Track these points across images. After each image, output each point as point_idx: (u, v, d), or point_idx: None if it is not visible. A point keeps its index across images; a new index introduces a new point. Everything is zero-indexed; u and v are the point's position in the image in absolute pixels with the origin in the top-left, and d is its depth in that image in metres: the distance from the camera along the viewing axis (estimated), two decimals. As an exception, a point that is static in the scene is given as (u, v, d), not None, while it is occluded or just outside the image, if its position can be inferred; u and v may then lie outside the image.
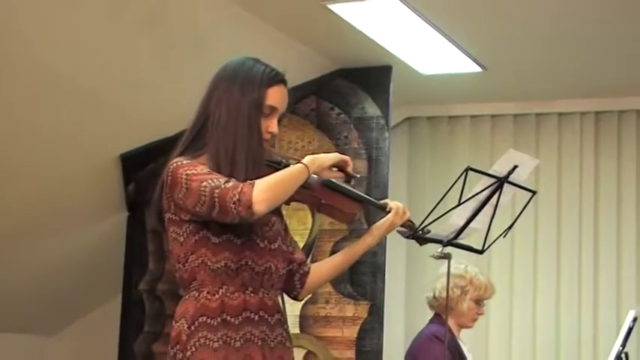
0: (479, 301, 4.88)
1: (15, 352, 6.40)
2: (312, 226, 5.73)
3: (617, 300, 6.16)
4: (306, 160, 2.97)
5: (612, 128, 6.36)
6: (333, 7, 4.95)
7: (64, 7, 4.42)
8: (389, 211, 3.22)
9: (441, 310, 4.87)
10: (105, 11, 4.55)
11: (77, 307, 6.63)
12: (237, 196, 2.78)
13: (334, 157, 3.09)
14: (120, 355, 5.96)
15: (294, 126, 5.86)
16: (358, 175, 3.22)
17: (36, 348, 6.54)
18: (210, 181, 2.83)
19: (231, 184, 2.81)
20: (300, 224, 5.71)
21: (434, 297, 4.96)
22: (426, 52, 5.61)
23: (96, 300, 6.61)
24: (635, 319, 4.87)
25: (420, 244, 3.47)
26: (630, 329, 4.81)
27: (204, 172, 2.87)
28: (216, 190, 2.81)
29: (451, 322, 4.81)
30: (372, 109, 5.80)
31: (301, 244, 5.65)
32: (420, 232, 3.37)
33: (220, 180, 2.83)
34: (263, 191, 2.80)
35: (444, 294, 4.85)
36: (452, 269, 4.81)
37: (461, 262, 4.88)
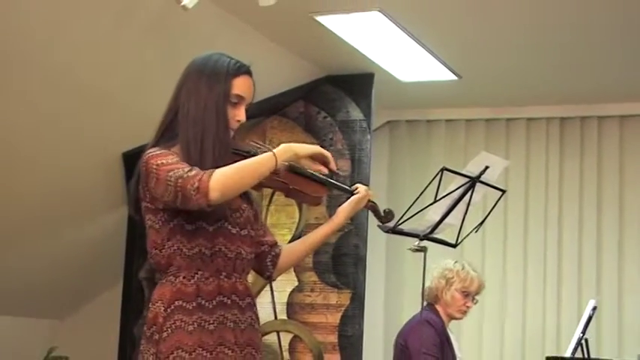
0: (466, 293, 4.85)
1: (26, 335, 6.39)
2: (299, 220, 5.74)
3: (578, 290, 6.18)
4: (280, 147, 2.91)
5: (575, 133, 6.37)
6: (320, 19, 4.96)
7: (75, 14, 4.42)
8: (352, 193, 3.17)
9: (431, 298, 4.89)
10: (112, 20, 4.55)
11: (83, 293, 6.62)
12: (196, 184, 2.71)
13: (313, 148, 3.03)
14: (121, 337, 5.96)
15: (283, 128, 5.87)
16: (340, 173, 3.18)
17: (46, 330, 6.53)
18: (175, 171, 2.76)
19: (193, 172, 2.74)
20: (289, 218, 5.72)
21: (427, 287, 4.95)
22: (405, 61, 5.62)
23: (100, 287, 6.60)
24: (594, 308, 4.90)
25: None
26: (590, 317, 4.84)
27: (172, 161, 2.81)
28: (180, 180, 2.74)
29: (441, 311, 4.83)
30: (355, 113, 5.81)
31: (289, 237, 5.66)
32: (384, 213, 3.33)
33: (185, 169, 2.76)
34: (219, 179, 2.72)
35: (435, 284, 4.89)
36: (444, 264, 4.87)
37: (457, 260, 4.90)
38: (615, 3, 4.69)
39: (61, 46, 4.56)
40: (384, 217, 3.32)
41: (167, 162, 2.81)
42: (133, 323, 5.87)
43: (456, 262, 4.87)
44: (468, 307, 4.89)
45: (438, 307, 4.82)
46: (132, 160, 5.66)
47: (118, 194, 5.75)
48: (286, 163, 2.95)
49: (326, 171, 3.05)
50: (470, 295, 4.87)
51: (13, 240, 5.64)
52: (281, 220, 5.71)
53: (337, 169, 3.10)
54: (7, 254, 5.72)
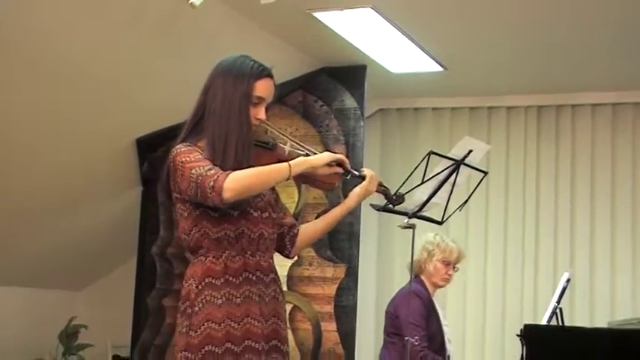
0: (447, 263, 4.83)
1: (49, 305, 6.41)
2: (298, 200, 5.74)
3: (553, 263, 6.19)
4: (297, 160, 2.91)
5: (551, 119, 6.37)
6: (317, 15, 4.95)
7: (92, 14, 4.42)
8: (364, 179, 3.17)
9: (416, 270, 4.88)
10: (126, 19, 4.54)
11: (100, 267, 6.63)
12: (212, 184, 2.75)
13: (327, 156, 3.00)
14: (135, 307, 5.97)
15: (283, 115, 5.86)
16: (356, 173, 3.09)
17: (66, 301, 6.53)
18: (197, 168, 2.79)
19: (212, 172, 2.77)
20: (289, 198, 5.71)
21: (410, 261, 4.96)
22: (395, 54, 5.61)
23: (115, 261, 6.61)
24: (568, 280, 4.90)
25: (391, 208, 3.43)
26: (564, 288, 4.84)
27: (196, 158, 2.83)
28: (200, 177, 2.77)
29: (427, 282, 4.82)
30: (349, 102, 5.80)
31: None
32: (394, 197, 3.33)
33: (205, 167, 2.79)
34: (233, 182, 2.74)
35: (416, 258, 4.88)
36: (425, 238, 4.86)
37: (436, 232, 4.88)
38: (588, 1, 4.69)
39: (80, 44, 4.57)
40: (395, 200, 3.34)
41: (191, 159, 2.84)
42: (146, 294, 5.89)
43: (435, 234, 4.83)
44: (449, 275, 4.88)
45: (423, 278, 4.81)
46: (144, 145, 5.67)
47: (132, 176, 5.76)
48: (300, 152, 2.97)
49: (341, 171, 3.04)
50: (450, 264, 4.85)
51: (36, 218, 5.64)
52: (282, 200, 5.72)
53: (354, 170, 3.07)
54: (30, 231, 5.72)
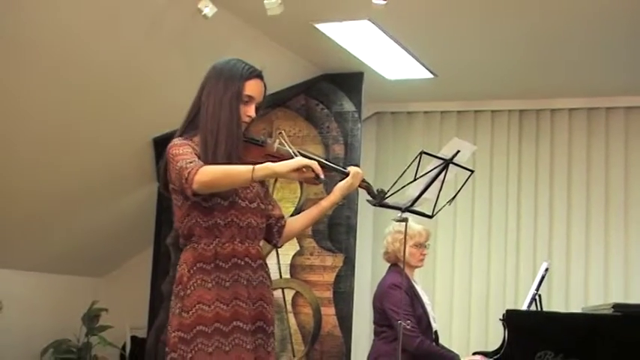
0: (418, 245, 4.73)
1: (72, 290, 6.41)
2: (301, 195, 5.74)
3: (533, 254, 6.18)
4: (261, 166, 2.76)
5: (532, 123, 6.36)
6: (319, 26, 4.95)
7: (116, 23, 4.44)
8: (348, 175, 3.11)
9: (392, 260, 4.82)
10: (146, 27, 4.55)
11: (119, 255, 6.63)
12: (187, 175, 2.73)
13: (294, 163, 2.81)
14: (151, 293, 5.97)
15: (287, 117, 5.86)
16: (323, 177, 2.85)
17: (88, 286, 6.53)
18: (181, 161, 2.77)
19: (191, 164, 2.75)
20: (292, 193, 5.72)
21: (385, 252, 4.87)
22: (390, 62, 5.60)
23: (133, 250, 6.61)
24: (546, 269, 4.91)
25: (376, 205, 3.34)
26: (543, 277, 4.84)
27: (184, 152, 2.81)
28: (181, 169, 2.76)
29: (405, 268, 4.71)
30: (348, 106, 5.80)
31: (292, 209, 5.66)
32: (376, 192, 3.24)
33: (187, 161, 2.77)
34: (203, 175, 2.71)
35: (390, 248, 4.76)
36: (391, 227, 4.72)
37: (399, 219, 4.74)
38: (567, 12, 4.68)
39: (104, 51, 4.57)
40: (377, 196, 3.28)
41: (180, 152, 2.82)
42: (161, 281, 5.88)
43: (399, 222, 4.47)
44: (424, 255, 4.78)
45: (400, 265, 4.58)
46: (160, 144, 5.67)
47: (149, 173, 5.76)
48: (290, 150, 2.89)
49: (313, 175, 2.85)
50: (422, 245, 4.75)
51: (61, 210, 5.65)
52: (285, 195, 5.71)
53: (324, 177, 2.86)
54: (55, 222, 5.73)
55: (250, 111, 2.95)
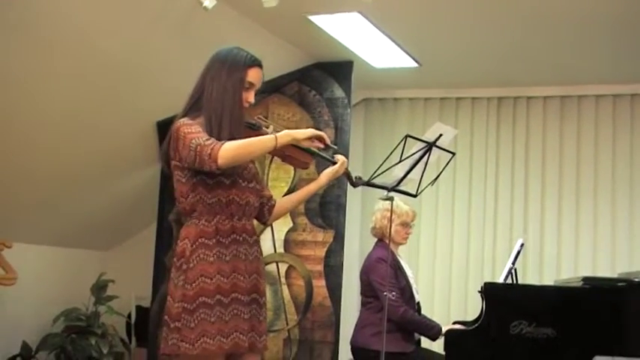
0: (404, 224, 4.75)
1: (81, 263, 6.39)
2: (294, 175, 5.73)
3: (509, 230, 6.19)
4: (282, 133, 2.88)
5: (509, 109, 6.35)
6: (312, 18, 4.93)
7: (124, 15, 4.42)
8: (335, 162, 3.16)
9: (379, 235, 4.82)
10: (151, 18, 4.53)
11: (125, 230, 6.61)
12: (209, 151, 2.73)
13: (309, 132, 2.98)
14: (155, 265, 5.96)
15: (282, 103, 5.84)
16: (335, 147, 3.09)
17: (96, 259, 6.52)
18: (196, 139, 2.77)
19: (209, 142, 2.76)
20: (286, 174, 5.70)
21: (373, 227, 4.88)
22: (378, 52, 5.58)
23: (138, 225, 6.60)
24: (522, 245, 4.92)
25: (355, 187, 3.41)
26: (518, 252, 4.86)
27: (196, 131, 2.81)
28: (198, 147, 2.75)
29: (391, 244, 4.72)
30: (338, 92, 5.78)
31: (286, 188, 5.65)
32: (355, 179, 3.32)
33: (203, 138, 2.77)
34: (227, 150, 2.73)
35: (379, 224, 4.80)
36: (381, 205, 4.79)
37: (388, 198, 4.74)
38: (542, 7, 4.66)
39: (114, 41, 4.56)
40: (355, 182, 3.35)
41: (192, 131, 2.81)
42: (164, 254, 5.87)
43: (387, 201, 4.47)
44: (408, 233, 4.79)
45: (386, 241, 4.60)
46: (164, 127, 5.63)
47: (153, 154, 5.73)
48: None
49: (322, 146, 3.02)
50: (407, 224, 4.77)
51: (71, 190, 5.63)
52: (280, 175, 5.70)
53: (331, 143, 3.06)
54: (66, 201, 5.71)
55: (250, 97, 2.96)
